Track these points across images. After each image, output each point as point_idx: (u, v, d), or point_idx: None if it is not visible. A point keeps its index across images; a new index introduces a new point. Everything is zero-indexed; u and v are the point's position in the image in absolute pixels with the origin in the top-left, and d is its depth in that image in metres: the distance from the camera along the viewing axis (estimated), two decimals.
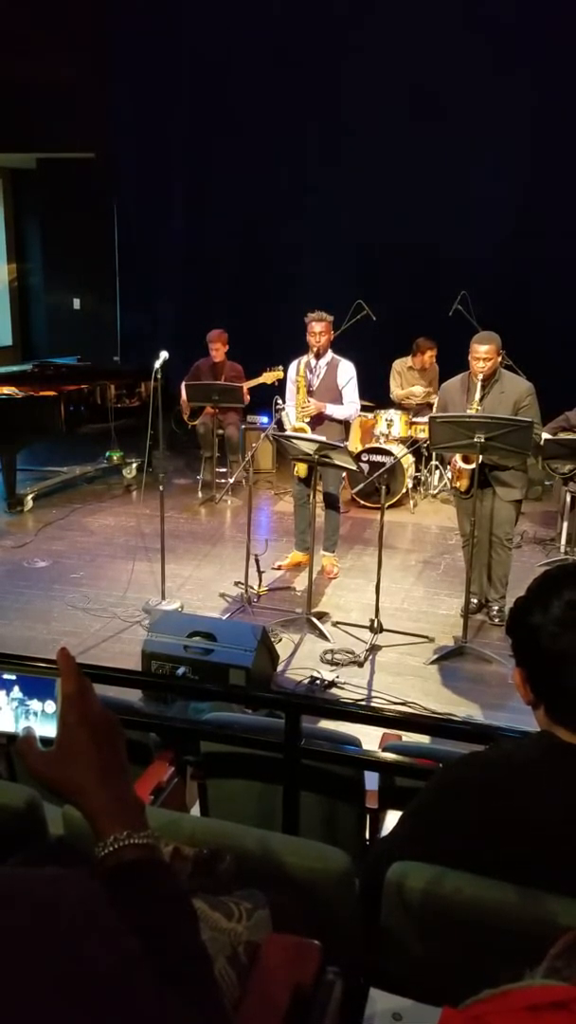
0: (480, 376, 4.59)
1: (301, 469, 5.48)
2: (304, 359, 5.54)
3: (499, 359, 4.71)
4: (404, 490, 7.39)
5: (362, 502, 7.21)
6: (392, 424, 7.45)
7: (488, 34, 8.11)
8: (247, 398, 7.36)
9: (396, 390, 7.81)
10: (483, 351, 4.59)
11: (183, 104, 9.59)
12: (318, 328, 5.42)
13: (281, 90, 8.97)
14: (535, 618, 1.32)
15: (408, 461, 7.24)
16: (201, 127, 9.55)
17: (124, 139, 9.93)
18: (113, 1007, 0.64)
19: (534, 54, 8.04)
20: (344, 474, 5.82)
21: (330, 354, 5.53)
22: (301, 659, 4.57)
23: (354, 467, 5.13)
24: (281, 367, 6.82)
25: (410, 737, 2.56)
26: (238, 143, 9.37)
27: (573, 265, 8.39)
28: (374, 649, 4.67)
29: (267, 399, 5.82)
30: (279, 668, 4.28)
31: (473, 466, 4.60)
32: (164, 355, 4.95)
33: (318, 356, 5.49)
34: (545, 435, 5.39)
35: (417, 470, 7.78)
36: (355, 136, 8.80)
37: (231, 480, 7.45)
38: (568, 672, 1.29)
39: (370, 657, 4.59)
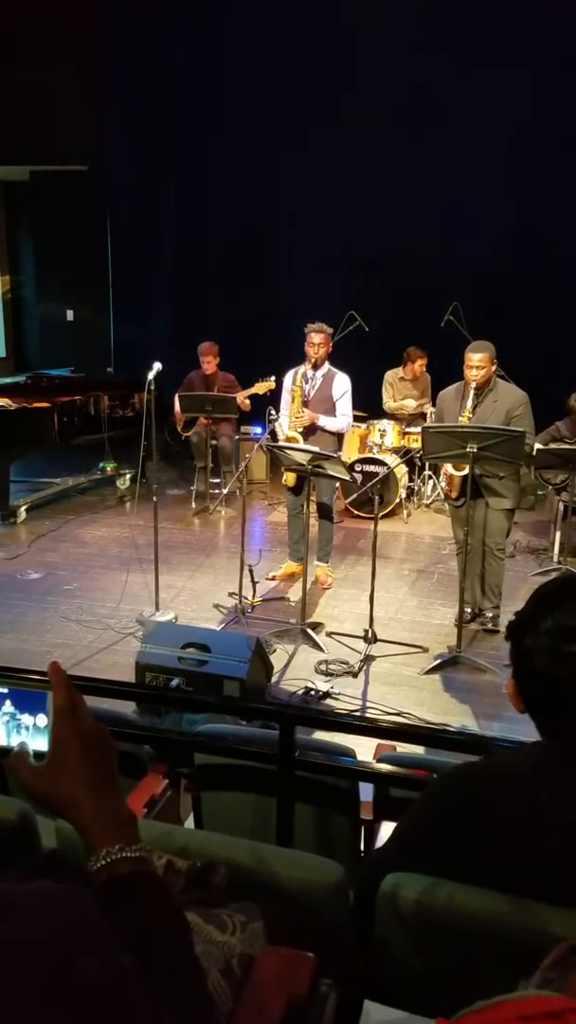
0: (473, 385, 4.62)
1: (290, 478, 5.48)
2: (301, 369, 5.55)
3: (493, 368, 4.73)
4: (397, 500, 7.40)
5: (356, 512, 7.22)
6: (385, 434, 7.47)
7: (479, 45, 8.17)
8: (247, 405, 7.34)
9: (389, 402, 7.83)
10: (476, 359, 4.62)
11: (176, 115, 9.64)
12: (317, 339, 5.42)
13: (275, 101, 9.01)
14: (526, 641, 1.32)
15: (401, 471, 7.25)
16: (194, 138, 9.60)
17: (117, 151, 9.97)
18: (107, 1020, 0.64)
19: (523, 66, 8.09)
20: (338, 484, 5.83)
21: (327, 366, 5.53)
22: (295, 670, 4.57)
23: (347, 477, 5.14)
24: (273, 378, 6.83)
25: (405, 748, 2.55)
26: (231, 154, 9.41)
27: (565, 274, 8.44)
28: (368, 659, 4.66)
29: (261, 410, 5.83)
30: (273, 679, 4.27)
31: (463, 473, 4.61)
32: (157, 366, 4.96)
33: (315, 367, 5.49)
34: (537, 445, 5.41)
35: (410, 480, 7.80)
36: (348, 148, 8.84)
37: (225, 491, 7.41)
38: (557, 694, 1.30)
39: (364, 667, 4.58)
